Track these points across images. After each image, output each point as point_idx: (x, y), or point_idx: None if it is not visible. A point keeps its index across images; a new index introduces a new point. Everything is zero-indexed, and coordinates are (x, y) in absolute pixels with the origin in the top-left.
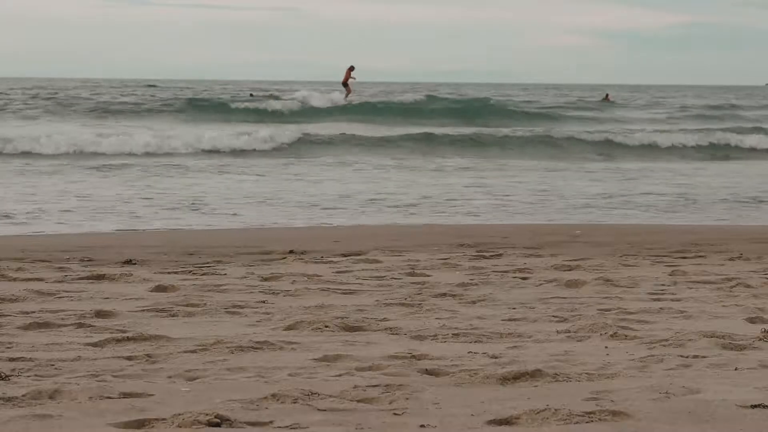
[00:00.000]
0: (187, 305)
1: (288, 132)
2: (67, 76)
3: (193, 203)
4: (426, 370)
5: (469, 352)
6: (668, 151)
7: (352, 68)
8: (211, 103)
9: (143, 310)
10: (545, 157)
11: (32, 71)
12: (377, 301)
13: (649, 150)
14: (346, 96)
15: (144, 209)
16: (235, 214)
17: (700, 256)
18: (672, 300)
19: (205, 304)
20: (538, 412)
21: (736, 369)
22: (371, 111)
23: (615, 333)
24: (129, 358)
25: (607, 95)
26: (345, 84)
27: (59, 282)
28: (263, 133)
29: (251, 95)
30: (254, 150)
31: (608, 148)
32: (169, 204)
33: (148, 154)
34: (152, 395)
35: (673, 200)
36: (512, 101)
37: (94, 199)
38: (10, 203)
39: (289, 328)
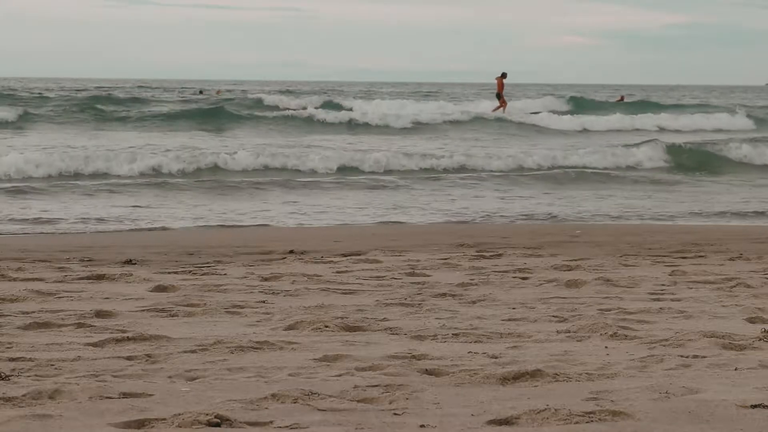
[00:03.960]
0: (187, 305)
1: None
2: (65, 77)
3: None
4: (426, 370)
5: (469, 352)
6: None
7: (504, 75)
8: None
9: (143, 310)
10: None
11: (32, 71)
12: (377, 301)
13: None
14: (496, 110)
15: None
16: None
17: (700, 256)
18: (672, 300)
19: (205, 304)
20: (538, 412)
21: (736, 369)
22: None
23: (615, 333)
24: (129, 358)
25: (621, 97)
26: (499, 95)
27: (59, 282)
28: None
29: (200, 92)
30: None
31: None
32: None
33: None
34: (152, 395)
35: None
36: None
37: None
38: None
39: (289, 328)
